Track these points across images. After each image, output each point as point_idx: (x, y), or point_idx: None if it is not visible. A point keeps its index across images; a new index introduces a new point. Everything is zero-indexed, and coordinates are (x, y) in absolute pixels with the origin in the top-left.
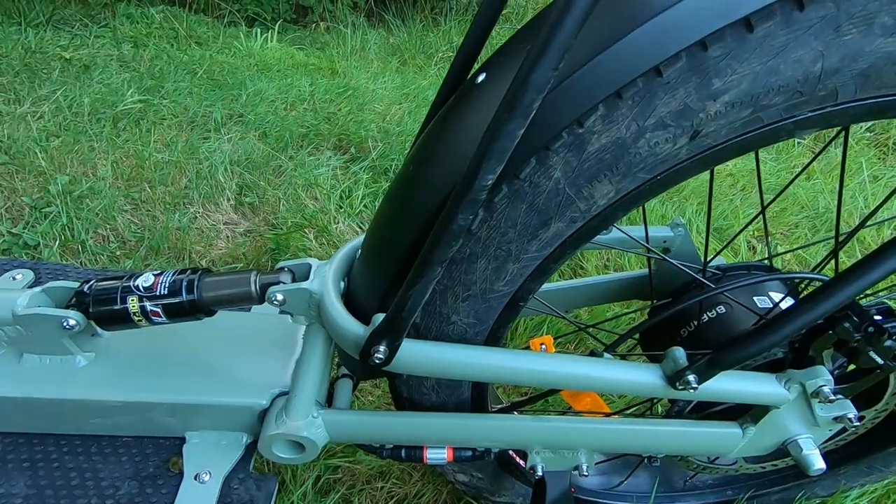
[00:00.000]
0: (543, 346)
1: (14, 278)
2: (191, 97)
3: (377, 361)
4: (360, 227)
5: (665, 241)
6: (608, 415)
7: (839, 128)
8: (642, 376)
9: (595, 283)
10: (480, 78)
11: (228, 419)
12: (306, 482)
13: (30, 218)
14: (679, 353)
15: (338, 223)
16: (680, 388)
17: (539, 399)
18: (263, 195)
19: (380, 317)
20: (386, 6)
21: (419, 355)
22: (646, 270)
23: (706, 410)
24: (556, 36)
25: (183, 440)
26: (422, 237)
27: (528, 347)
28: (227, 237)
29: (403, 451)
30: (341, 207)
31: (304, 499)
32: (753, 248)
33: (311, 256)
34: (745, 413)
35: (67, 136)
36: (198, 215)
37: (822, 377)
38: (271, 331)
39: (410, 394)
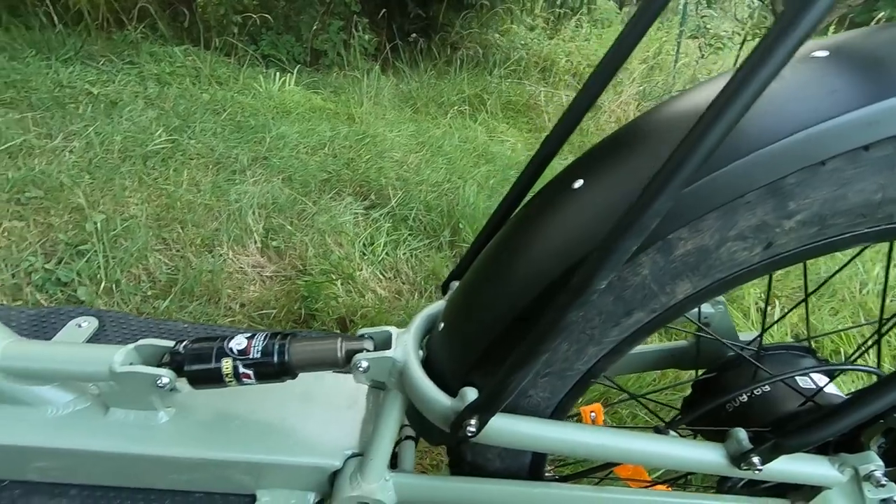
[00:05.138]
0: (593, 414)
1: (80, 326)
2: (216, 138)
3: (469, 434)
4: (383, 275)
5: (706, 317)
6: (650, 483)
7: None
8: (708, 455)
9: (639, 353)
10: (577, 184)
11: (301, 478)
12: None
13: (64, 254)
14: (742, 435)
15: (362, 270)
16: (745, 468)
17: (600, 470)
18: (289, 239)
19: (469, 391)
20: (399, 54)
21: (507, 429)
22: (684, 342)
23: (757, 486)
24: (681, 170)
25: (253, 497)
26: (515, 323)
27: (578, 414)
28: (255, 280)
29: None
30: (364, 255)
31: None
32: (760, 309)
33: (340, 304)
34: (789, 488)
35: (100, 173)
36: (227, 258)
37: (874, 462)
38: (335, 389)
39: (474, 458)
